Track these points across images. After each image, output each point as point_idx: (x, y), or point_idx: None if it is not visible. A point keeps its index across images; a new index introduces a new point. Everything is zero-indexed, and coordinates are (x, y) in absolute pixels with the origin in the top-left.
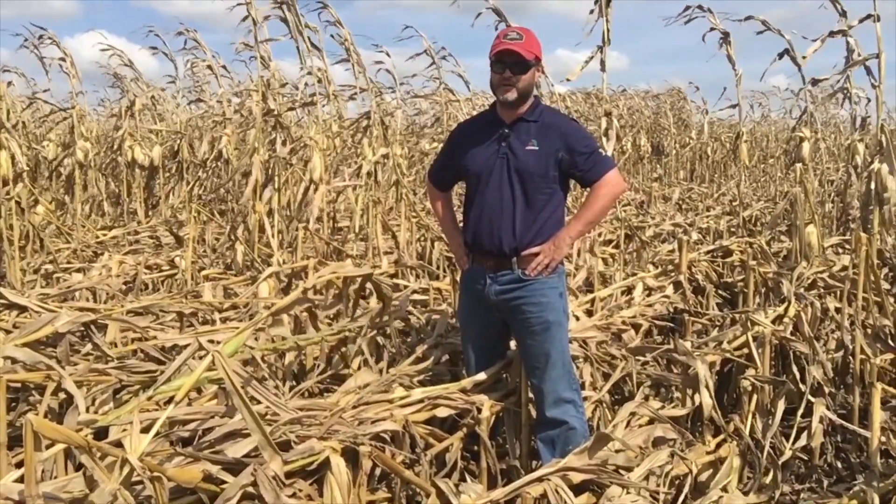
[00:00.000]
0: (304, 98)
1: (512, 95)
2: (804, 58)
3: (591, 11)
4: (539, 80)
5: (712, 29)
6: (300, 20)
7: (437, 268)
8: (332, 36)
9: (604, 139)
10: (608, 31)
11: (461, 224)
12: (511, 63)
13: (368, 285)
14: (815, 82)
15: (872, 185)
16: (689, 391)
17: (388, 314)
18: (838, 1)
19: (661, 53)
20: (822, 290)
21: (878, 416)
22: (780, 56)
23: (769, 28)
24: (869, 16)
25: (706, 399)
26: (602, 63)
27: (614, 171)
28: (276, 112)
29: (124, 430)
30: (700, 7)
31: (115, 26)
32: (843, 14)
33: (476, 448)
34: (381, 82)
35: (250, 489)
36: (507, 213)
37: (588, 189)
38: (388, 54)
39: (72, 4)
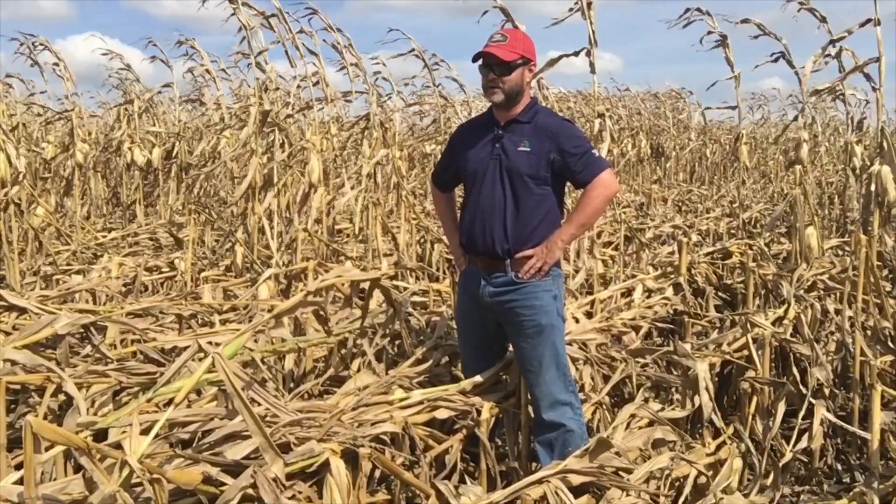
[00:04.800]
0: (299, 101)
1: (498, 97)
2: (804, 75)
3: (571, 10)
4: (540, 80)
5: (710, 32)
6: (288, 27)
7: (437, 270)
8: (323, 41)
9: (599, 141)
10: (593, 32)
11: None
12: (493, 65)
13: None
14: (815, 93)
15: (872, 187)
16: (689, 393)
17: (399, 319)
18: (816, 10)
19: (656, 55)
20: (821, 292)
21: (879, 417)
22: (775, 59)
23: (765, 32)
24: (868, 20)
25: (706, 401)
26: (591, 65)
27: (607, 173)
28: (274, 113)
29: (124, 431)
30: (699, 10)
31: (108, 27)
32: (823, 20)
33: (475, 450)
34: (381, 86)
35: (250, 491)
36: (499, 213)
37: (581, 191)
38: (384, 63)
39: (64, 5)
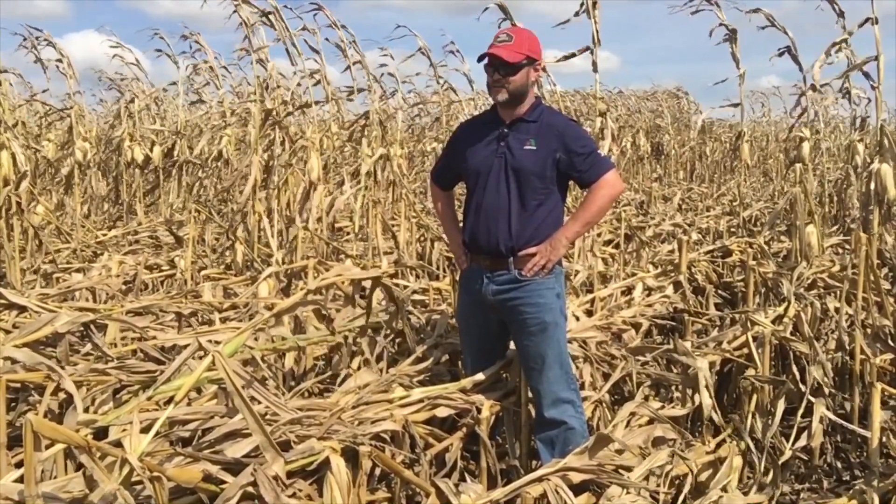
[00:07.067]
0: (299, 99)
1: (503, 96)
2: (814, 76)
3: (577, 13)
4: (540, 80)
5: (721, 24)
6: (285, 25)
7: (437, 268)
8: (326, 39)
9: (600, 139)
10: (597, 32)
11: (461, 224)
12: (498, 65)
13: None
14: (814, 88)
15: (872, 185)
16: (689, 391)
17: (401, 317)
18: (836, 1)
19: (656, 55)
20: (821, 290)
21: (878, 415)
22: (781, 53)
23: (773, 24)
24: (868, 19)
25: (706, 399)
26: (594, 64)
27: (612, 173)
28: (274, 111)
29: (124, 430)
30: (708, 0)
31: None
32: (841, 14)
33: (476, 448)
34: (384, 83)
35: (250, 489)
36: (504, 212)
37: (586, 190)
38: (391, 56)
39: (59, 4)
